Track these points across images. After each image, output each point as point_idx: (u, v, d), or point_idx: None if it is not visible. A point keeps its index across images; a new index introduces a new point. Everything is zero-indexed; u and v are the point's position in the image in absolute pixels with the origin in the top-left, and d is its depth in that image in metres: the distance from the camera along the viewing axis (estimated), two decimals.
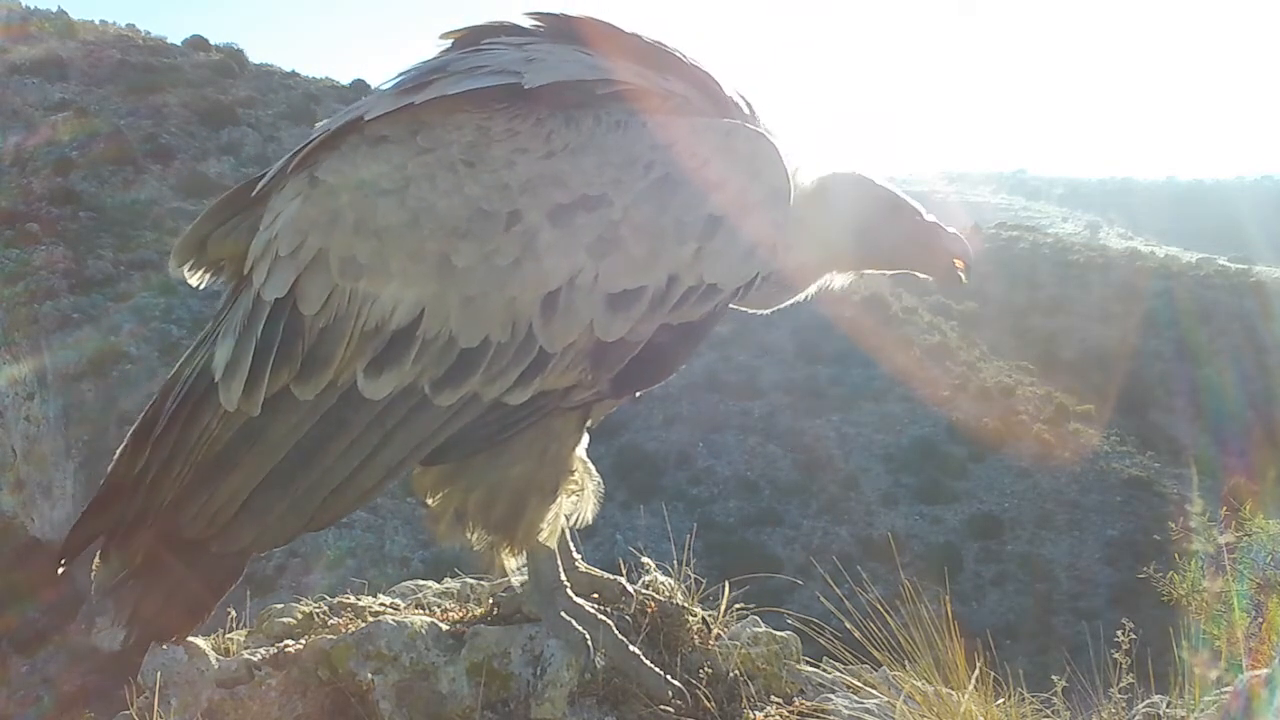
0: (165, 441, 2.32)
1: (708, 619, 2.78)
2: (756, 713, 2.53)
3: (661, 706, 2.41)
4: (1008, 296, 40.04)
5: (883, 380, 31.93)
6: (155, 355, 24.90)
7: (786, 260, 2.43)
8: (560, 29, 2.41)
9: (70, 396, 24.32)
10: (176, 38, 44.30)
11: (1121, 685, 2.95)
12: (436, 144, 2.21)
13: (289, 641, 2.67)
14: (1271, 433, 31.18)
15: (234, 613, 2.89)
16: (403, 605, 2.94)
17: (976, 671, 2.62)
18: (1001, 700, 2.64)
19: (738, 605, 2.84)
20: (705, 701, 2.47)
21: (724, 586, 2.87)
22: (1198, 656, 3.26)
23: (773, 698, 2.62)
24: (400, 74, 2.38)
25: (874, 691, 2.68)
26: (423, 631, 2.54)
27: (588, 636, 2.46)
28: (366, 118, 2.25)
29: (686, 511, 25.67)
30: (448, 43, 2.45)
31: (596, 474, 2.63)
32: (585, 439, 2.55)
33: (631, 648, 2.51)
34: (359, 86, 40.13)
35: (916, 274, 2.67)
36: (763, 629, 2.79)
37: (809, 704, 2.59)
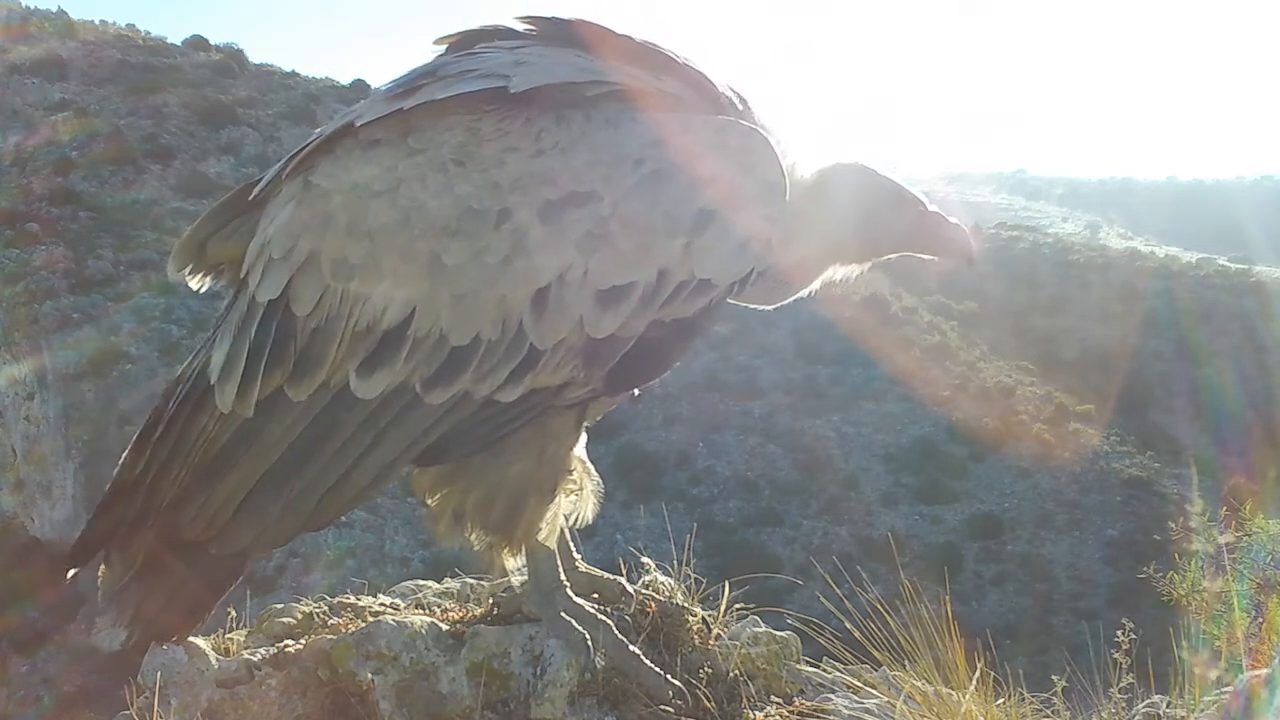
0: (164, 443, 2.35)
1: (708, 619, 2.78)
2: (756, 713, 2.52)
3: (661, 706, 2.41)
4: (1008, 296, 40.00)
5: (883, 380, 31.93)
6: (155, 355, 24.94)
7: (784, 255, 2.41)
8: (553, 32, 2.42)
9: (70, 396, 24.34)
10: (176, 38, 44.46)
11: (1121, 685, 2.95)
12: (427, 145, 2.22)
13: (289, 641, 2.67)
14: (1271, 433, 31.16)
15: (234, 613, 2.89)
16: (403, 605, 2.94)
17: (976, 671, 2.61)
18: (1001, 700, 2.64)
19: (738, 605, 2.84)
20: (705, 701, 2.46)
21: (724, 586, 2.87)
22: (1198, 656, 3.25)
23: (773, 698, 2.62)
24: (393, 80, 2.39)
25: (874, 691, 2.68)
26: (423, 631, 2.54)
27: (588, 636, 2.46)
28: (358, 123, 2.27)
29: (686, 511, 25.68)
30: (442, 48, 2.46)
31: (595, 474, 2.64)
32: (583, 438, 2.55)
33: (631, 648, 2.51)
34: (359, 87, 40.11)
35: (920, 256, 2.66)
36: (763, 629, 2.78)
37: (809, 704, 2.59)
